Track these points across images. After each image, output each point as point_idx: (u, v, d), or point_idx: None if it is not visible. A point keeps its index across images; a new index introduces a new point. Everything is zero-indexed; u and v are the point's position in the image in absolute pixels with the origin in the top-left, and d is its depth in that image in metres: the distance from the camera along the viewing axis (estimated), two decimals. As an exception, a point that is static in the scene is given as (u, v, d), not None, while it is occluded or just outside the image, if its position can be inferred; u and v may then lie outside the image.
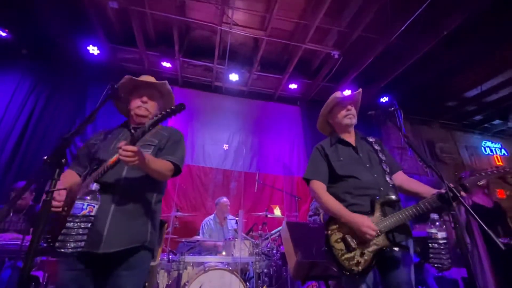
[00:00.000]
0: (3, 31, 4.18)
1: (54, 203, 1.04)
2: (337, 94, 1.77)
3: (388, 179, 1.52)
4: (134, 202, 1.25)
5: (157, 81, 1.53)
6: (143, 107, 1.45)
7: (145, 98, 1.47)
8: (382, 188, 1.46)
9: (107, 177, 1.21)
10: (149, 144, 1.37)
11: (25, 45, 4.51)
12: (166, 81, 1.55)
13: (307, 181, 1.63)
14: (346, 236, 1.39)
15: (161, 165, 1.27)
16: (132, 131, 1.07)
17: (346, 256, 1.36)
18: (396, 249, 1.32)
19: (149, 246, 1.25)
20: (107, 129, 1.53)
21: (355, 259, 1.33)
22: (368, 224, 1.31)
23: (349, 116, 1.68)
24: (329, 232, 1.44)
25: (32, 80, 4.47)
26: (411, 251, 1.38)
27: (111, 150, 1.30)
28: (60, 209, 1.03)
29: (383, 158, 1.63)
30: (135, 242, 1.19)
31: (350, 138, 1.72)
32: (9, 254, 2.26)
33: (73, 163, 1.44)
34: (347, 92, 5.08)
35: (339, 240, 1.40)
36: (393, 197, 1.42)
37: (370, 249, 1.33)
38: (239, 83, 5.33)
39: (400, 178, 1.61)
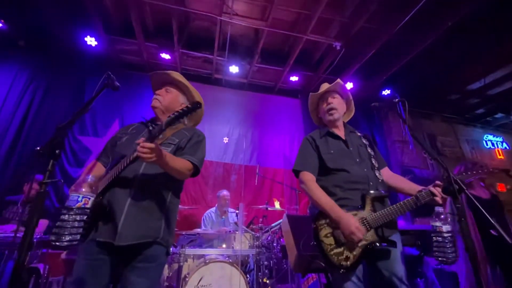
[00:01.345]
0: (-1, 22, 4.10)
1: None
2: (323, 85, 1.80)
3: (377, 174, 1.52)
4: (149, 198, 1.26)
5: (160, 71, 1.57)
6: (155, 99, 1.50)
7: (158, 91, 1.54)
8: (371, 183, 1.46)
9: (125, 172, 1.23)
10: (169, 143, 1.40)
11: (22, 36, 4.44)
12: (170, 71, 1.56)
13: (296, 172, 1.59)
14: (335, 231, 1.37)
15: (180, 164, 1.28)
16: (150, 128, 1.08)
17: (335, 251, 1.34)
18: (385, 244, 1.32)
19: (162, 242, 1.25)
20: (136, 123, 1.57)
21: (344, 254, 1.32)
22: (357, 226, 1.29)
23: (330, 112, 1.67)
24: (318, 226, 1.42)
25: (30, 72, 4.41)
26: (399, 245, 1.38)
27: (134, 145, 1.30)
28: None
29: (372, 153, 1.62)
30: (147, 237, 1.20)
31: (340, 131, 1.70)
32: (9, 246, 2.26)
33: (100, 154, 1.49)
34: (349, 85, 5.02)
35: (328, 235, 1.38)
36: (383, 192, 1.42)
37: (359, 244, 1.32)
38: (239, 75, 5.26)
39: (386, 174, 1.61)
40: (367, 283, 1.36)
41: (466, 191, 1.09)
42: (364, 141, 1.68)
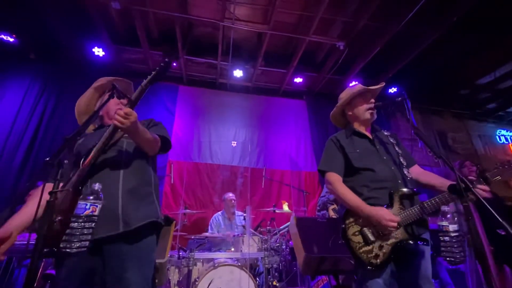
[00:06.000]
0: (11, 37, 4.27)
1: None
2: (360, 85, 1.74)
3: (406, 172, 1.50)
4: (138, 181, 1.26)
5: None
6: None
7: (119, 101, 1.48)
8: (399, 181, 1.45)
9: (106, 155, 1.22)
10: None
11: (33, 49, 4.60)
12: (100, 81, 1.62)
13: (323, 173, 1.60)
14: (364, 229, 1.37)
15: (149, 133, 1.27)
16: (128, 96, 1.12)
17: (364, 249, 1.34)
18: (415, 242, 1.30)
19: (161, 222, 1.27)
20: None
21: (374, 252, 1.32)
22: (390, 216, 1.28)
23: (371, 112, 1.64)
24: (347, 225, 1.43)
25: (41, 83, 4.56)
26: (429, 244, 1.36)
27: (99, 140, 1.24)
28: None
29: (400, 151, 1.61)
30: (151, 217, 1.21)
31: (367, 131, 1.69)
32: (22, 253, 2.32)
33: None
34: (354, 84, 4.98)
35: (356, 233, 1.39)
36: (412, 190, 1.40)
37: (389, 242, 1.31)
38: (243, 79, 5.29)
39: (416, 172, 1.59)
40: None
41: (474, 190, 1.07)
42: (392, 140, 1.68)
